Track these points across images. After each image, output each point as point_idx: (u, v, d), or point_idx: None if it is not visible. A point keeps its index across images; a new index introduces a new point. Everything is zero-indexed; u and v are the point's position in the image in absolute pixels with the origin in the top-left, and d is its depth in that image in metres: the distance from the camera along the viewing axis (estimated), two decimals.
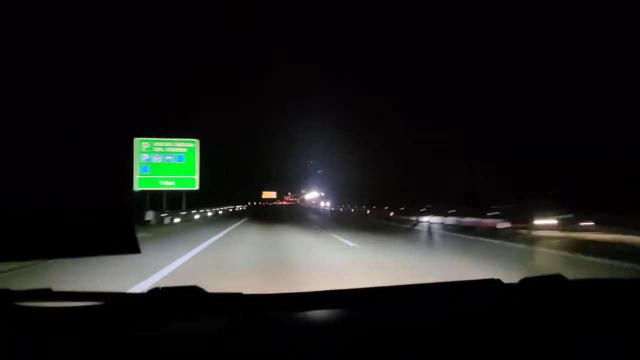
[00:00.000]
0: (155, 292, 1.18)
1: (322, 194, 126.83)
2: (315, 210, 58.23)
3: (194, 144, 24.50)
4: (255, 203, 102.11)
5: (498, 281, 1.42)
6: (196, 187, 24.35)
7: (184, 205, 24.93)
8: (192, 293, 1.17)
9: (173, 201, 24.58)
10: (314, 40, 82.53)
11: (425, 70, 54.24)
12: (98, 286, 4.88)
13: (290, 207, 75.36)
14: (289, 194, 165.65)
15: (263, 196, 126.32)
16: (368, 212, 38.77)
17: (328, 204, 73.68)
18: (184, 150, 24.31)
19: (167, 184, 23.82)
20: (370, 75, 69.70)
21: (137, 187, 23.32)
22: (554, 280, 1.40)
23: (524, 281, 1.40)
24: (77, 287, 1.27)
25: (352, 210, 46.81)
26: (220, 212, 35.21)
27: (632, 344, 1.01)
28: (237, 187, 66.78)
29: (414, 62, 61.38)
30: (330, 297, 1.30)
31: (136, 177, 23.42)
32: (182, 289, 1.17)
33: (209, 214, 29.62)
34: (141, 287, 5.20)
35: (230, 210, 42.12)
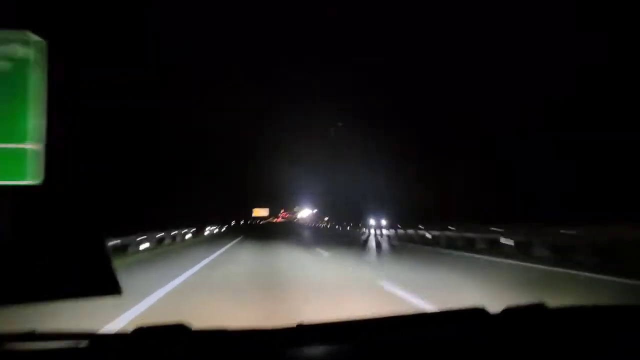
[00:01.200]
0: (140, 331, 1.14)
1: (315, 210, 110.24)
2: (357, 239, 28.94)
3: (29, 52, 8.30)
4: (243, 222, 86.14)
5: (482, 310, 1.42)
6: (38, 179, 8.14)
7: None
8: (178, 330, 1.14)
9: None
10: (310, 49, 72.35)
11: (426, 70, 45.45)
12: None
13: (294, 229, 58.47)
14: (283, 210, 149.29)
15: (254, 214, 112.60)
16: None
17: (383, 226, 38.02)
18: (3, 67, 8.16)
19: None
20: (369, 78, 60.34)
21: None
22: (536, 309, 1.44)
23: (507, 311, 1.41)
24: None
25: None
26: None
27: None
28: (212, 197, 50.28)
29: (413, 64, 52.73)
30: (317, 332, 1.28)
31: None
32: (168, 327, 1.15)
33: None
34: None
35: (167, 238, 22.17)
